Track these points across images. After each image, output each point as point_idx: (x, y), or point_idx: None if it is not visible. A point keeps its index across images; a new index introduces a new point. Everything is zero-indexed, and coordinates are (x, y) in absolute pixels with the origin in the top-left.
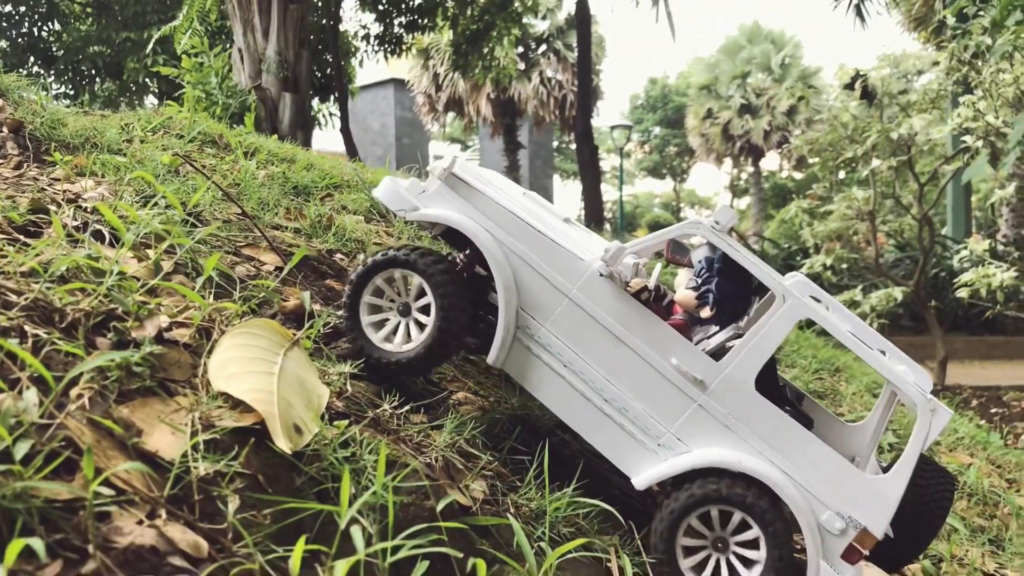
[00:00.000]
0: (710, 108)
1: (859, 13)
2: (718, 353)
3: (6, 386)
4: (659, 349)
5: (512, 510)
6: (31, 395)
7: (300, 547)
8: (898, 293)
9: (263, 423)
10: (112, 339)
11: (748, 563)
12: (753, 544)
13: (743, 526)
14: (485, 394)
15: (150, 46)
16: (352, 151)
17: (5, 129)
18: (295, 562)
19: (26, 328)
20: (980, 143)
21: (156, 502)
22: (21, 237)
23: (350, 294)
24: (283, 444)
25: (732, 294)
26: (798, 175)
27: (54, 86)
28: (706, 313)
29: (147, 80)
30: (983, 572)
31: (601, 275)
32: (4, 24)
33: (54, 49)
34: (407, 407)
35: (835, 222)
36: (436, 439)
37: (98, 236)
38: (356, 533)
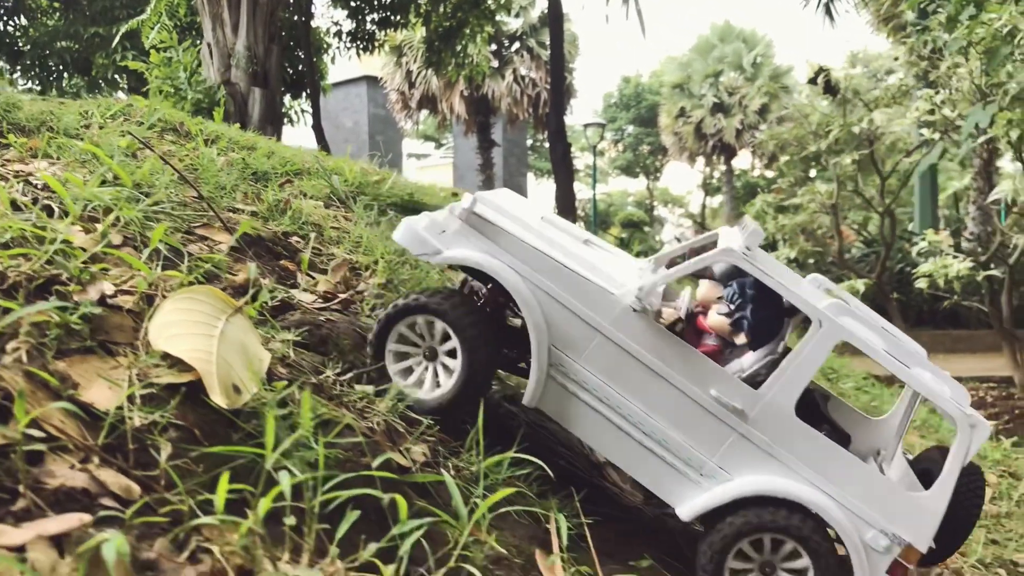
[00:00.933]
0: (683, 107)
1: (828, 12)
2: (755, 376)
3: None
4: (697, 380)
5: (452, 472)
6: None
7: (224, 484)
8: (860, 285)
9: (202, 381)
10: (54, 302)
11: None
12: (801, 568)
13: (792, 551)
14: None
15: (117, 40)
16: (324, 148)
17: None
18: (220, 499)
19: None
20: (937, 135)
21: (90, 449)
22: None
23: (375, 341)
24: (219, 399)
25: (766, 318)
26: (770, 173)
27: (20, 82)
28: (741, 340)
29: (116, 76)
30: None
31: (634, 310)
32: None
33: (20, 44)
34: (350, 374)
35: (799, 216)
36: (379, 405)
37: (49, 212)
38: (283, 474)
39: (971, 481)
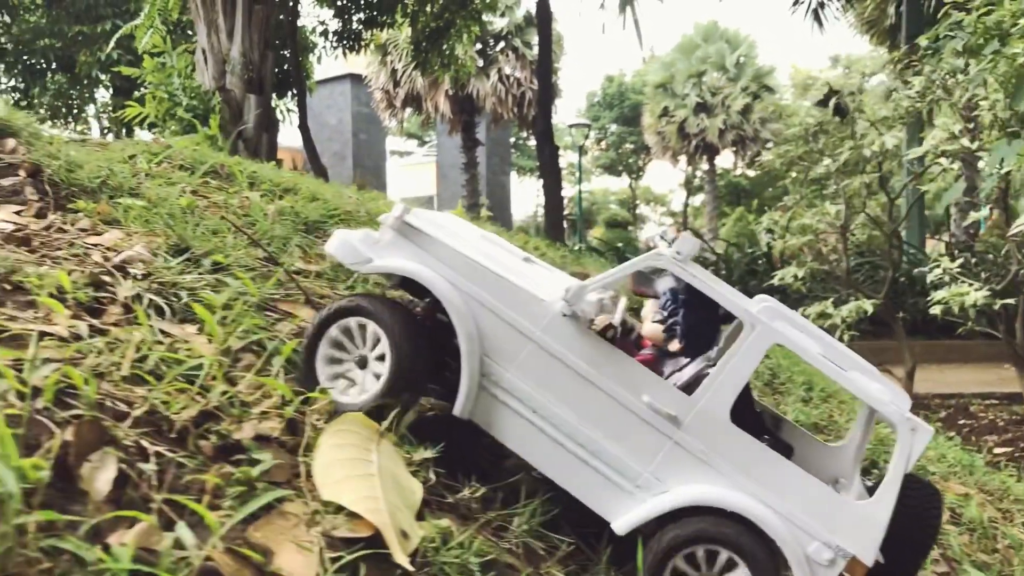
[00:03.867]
0: (666, 106)
1: (817, 17)
2: (691, 386)
3: (157, 522)
4: (630, 387)
5: None
6: (186, 533)
7: None
8: (868, 306)
9: (377, 532)
10: (214, 443)
11: None
12: None
13: (730, 564)
14: None
15: (111, 46)
16: (310, 148)
17: (22, 173)
18: None
19: (144, 444)
20: (956, 165)
21: None
22: (89, 319)
23: (306, 349)
24: (401, 559)
25: (699, 324)
26: (751, 173)
27: (3, 80)
28: (674, 346)
29: (99, 74)
30: None
31: (564, 315)
32: None
33: (2, 42)
34: (483, 490)
35: (807, 235)
36: (514, 523)
37: (159, 312)
38: None
39: (924, 496)
